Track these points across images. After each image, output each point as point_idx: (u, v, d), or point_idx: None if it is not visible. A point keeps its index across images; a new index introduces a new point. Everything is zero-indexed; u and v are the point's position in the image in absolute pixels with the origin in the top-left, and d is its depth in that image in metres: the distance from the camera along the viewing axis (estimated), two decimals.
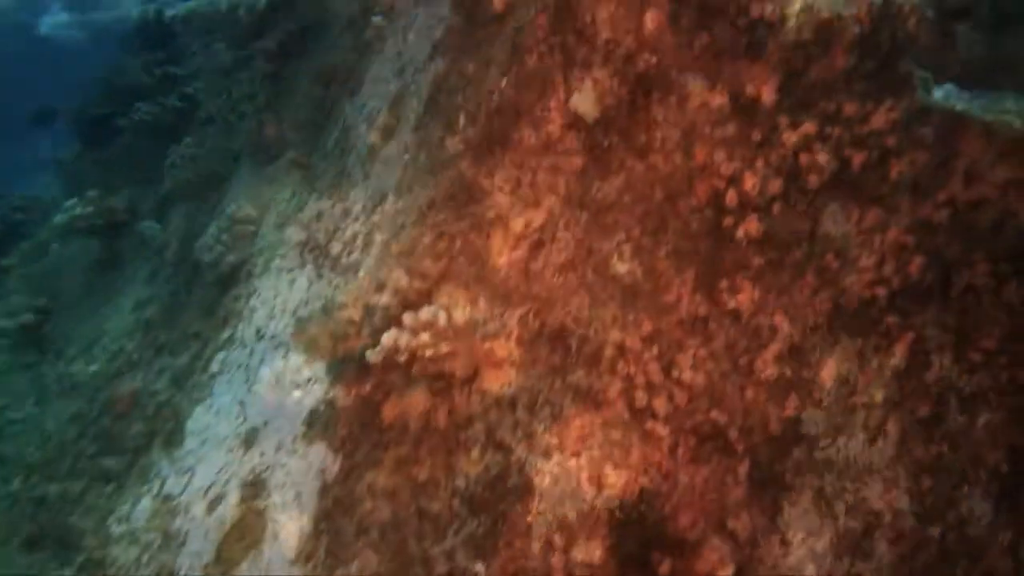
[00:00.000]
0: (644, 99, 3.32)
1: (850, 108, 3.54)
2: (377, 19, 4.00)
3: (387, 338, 3.42)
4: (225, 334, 4.91)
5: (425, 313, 3.43)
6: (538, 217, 3.68)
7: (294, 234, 4.92)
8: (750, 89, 3.38)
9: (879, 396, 3.95)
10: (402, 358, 3.48)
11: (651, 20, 3.27)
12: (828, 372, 3.77)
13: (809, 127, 3.46)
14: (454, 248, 3.94)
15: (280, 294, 4.77)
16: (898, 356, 4.01)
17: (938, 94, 4.10)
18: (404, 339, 3.39)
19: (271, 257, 4.95)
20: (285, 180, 5.12)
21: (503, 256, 3.74)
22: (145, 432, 4.93)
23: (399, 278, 3.79)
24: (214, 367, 4.85)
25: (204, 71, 5.57)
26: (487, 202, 3.91)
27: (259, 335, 4.74)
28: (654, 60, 3.28)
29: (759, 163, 3.45)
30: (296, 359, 4.45)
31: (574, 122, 3.56)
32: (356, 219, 4.62)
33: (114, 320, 5.80)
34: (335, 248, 4.65)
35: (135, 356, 5.38)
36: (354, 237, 4.58)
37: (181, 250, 5.73)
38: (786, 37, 3.25)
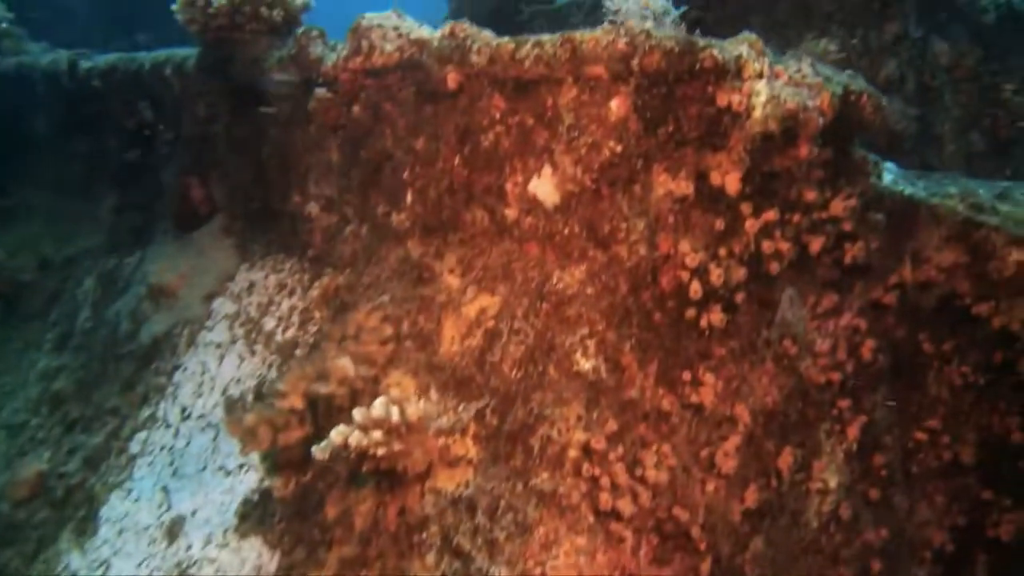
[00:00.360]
0: (609, 189, 3.21)
1: (810, 195, 3.51)
2: (321, 90, 3.80)
3: (336, 435, 3.20)
4: (146, 412, 4.59)
5: (377, 409, 3.22)
6: (492, 304, 3.53)
7: (223, 306, 4.65)
8: (715, 178, 3.30)
9: (833, 481, 3.91)
10: (351, 455, 3.27)
11: (617, 107, 3.17)
12: (785, 460, 3.70)
13: (771, 215, 3.40)
14: (401, 331, 3.75)
15: (208, 370, 4.49)
16: (850, 439, 3.98)
17: (887, 177, 4.13)
18: (354, 437, 3.18)
19: (197, 330, 4.67)
20: (212, 247, 4.85)
21: (455, 344, 3.58)
22: (52, 520, 4.55)
23: (345, 366, 3.58)
24: (134, 448, 4.53)
25: (125, 128, 5.26)
26: (436, 285, 3.74)
27: (185, 414, 4.44)
28: (619, 149, 3.17)
29: (722, 252, 3.37)
30: (228, 443, 4.18)
31: (532, 207, 3.42)
32: (292, 293, 4.39)
33: (15, 392, 5.39)
34: (269, 323, 4.40)
35: (41, 433, 4.99)
36: (290, 312, 4.34)
37: (95, 316, 5.37)
38: (752, 128, 3.19)
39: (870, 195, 3.83)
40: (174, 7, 4.39)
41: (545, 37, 3.27)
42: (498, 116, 3.48)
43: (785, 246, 3.50)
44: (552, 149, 3.33)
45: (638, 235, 3.26)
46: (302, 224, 4.39)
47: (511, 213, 3.50)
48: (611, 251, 3.27)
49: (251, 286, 4.61)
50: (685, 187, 3.30)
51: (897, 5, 5.72)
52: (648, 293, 3.31)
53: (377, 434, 3.22)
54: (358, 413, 3.24)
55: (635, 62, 3.09)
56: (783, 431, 3.78)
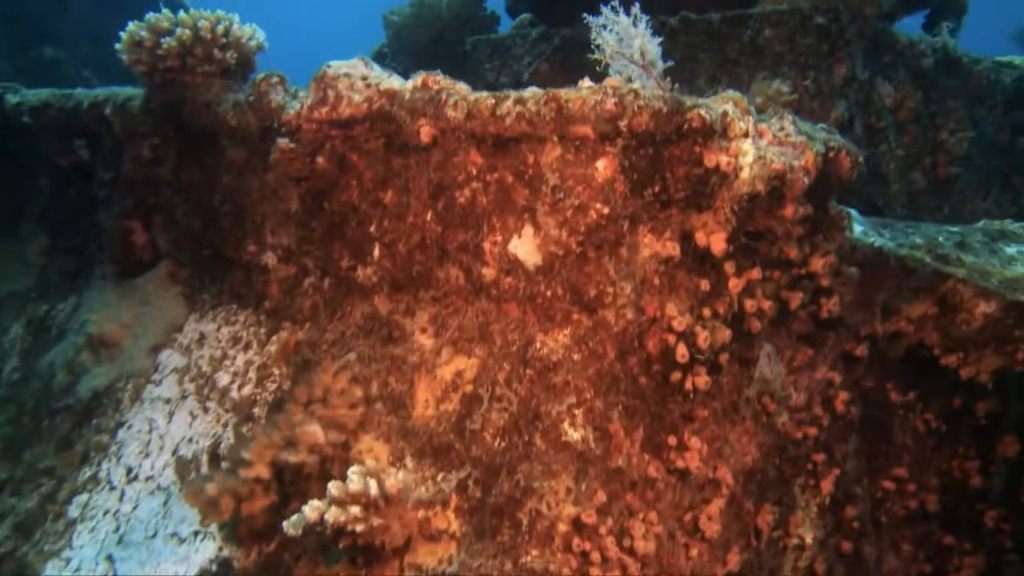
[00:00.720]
0: (595, 251, 3.11)
1: (791, 252, 3.47)
2: (283, 141, 3.62)
3: (310, 511, 3.02)
4: (86, 473, 4.31)
5: (355, 483, 3.05)
6: (469, 367, 3.39)
7: (171, 359, 4.40)
8: (700, 239, 3.24)
9: (808, 537, 3.87)
10: (326, 530, 3.09)
11: (604, 168, 3.08)
12: (764, 519, 3.65)
13: (754, 273, 3.35)
14: (370, 393, 3.59)
15: (156, 428, 4.24)
16: (824, 493, 3.95)
17: (857, 228, 4.13)
18: (331, 513, 3.01)
19: (143, 384, 4.41)
20: (157, 295, 4.59)
21: (430, 408, 3.43)
22: None
23: (315, 432, 3.40)
24: (72, 512, 4.24)
25: (58, 167, 4.96)
26: (408, 344, 3.59)
27: (131, 475, 4.18)
28: (606, 211, 3.08)
29: (707, 313, 3.30)
30: (181, 508, 3.95)
31: (512, 268, 3.31)
32: (248, 347, 4.18)
33: None
34: (223, 379, 4.18)
35: None
36: (246, 367, 4.13)
37: (24, 367, 5.04)
38: (740, 189, 3.13)
39: (846, 249, 3.82)
40: (118, 46, 4.15)
41: (527, 93, 3.16)
42: (475, 172, 3.36)
43: (767, 304, 3.46)
44: (534, 209, 3.22)
45: (625, 299, 3.17)
46: (257, 275, 4.18)
47: (489, 273, 3.37)
48: (598, 315, 3.18)
49: (202, 338, 4.37)
50: (671, 248, 3.23)
51: (845, 48, 5.79)
52: (635, 358, 3.22)
53: (355, 509, 3.05)
54: (334, 487, 3.06)
55: (623, 123, 3.00)
56: (761, 489, 3.73)
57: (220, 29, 4.06)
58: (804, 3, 5.85)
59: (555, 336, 3.24)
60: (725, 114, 3.14)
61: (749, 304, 3.43)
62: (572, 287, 3.19)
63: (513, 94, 3.20)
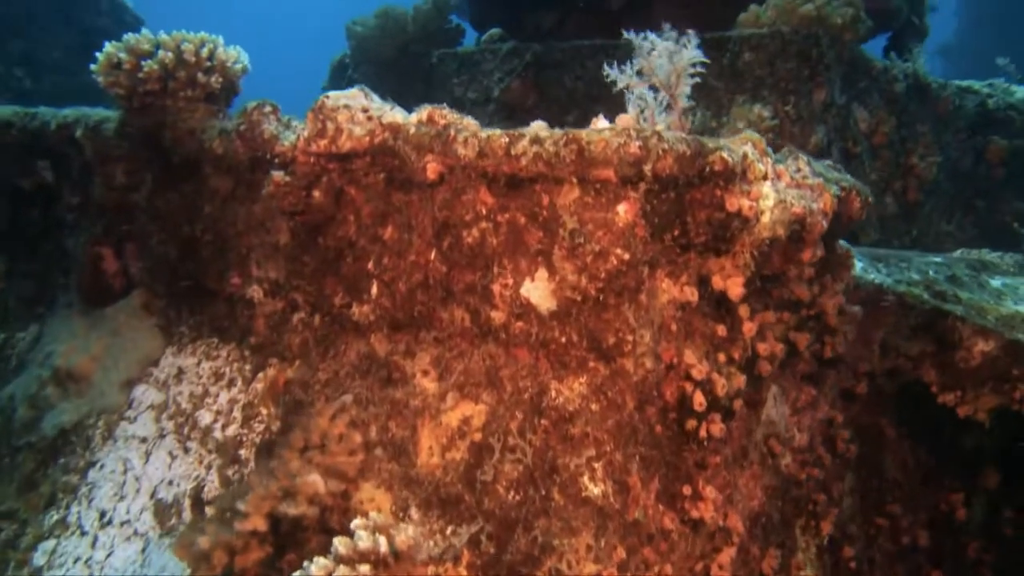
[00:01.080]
0: (615, 298, 3.01)
1: (802, 294, 3.42)
2: (278, 174, 3.46)
3: (316, 569, 2.87)
4: (53, 516, 4.07)
5: (363, 540, 2.91)
6: (477, 414, 3.27)
7: (147, 395, 4.18)
8: (717, 282, 3.16)
9: None
10: None
11: (625, 212, 2.98)
12: (770, 564, 3.59)
13: (768, 316, 3.29)
14: (369, 437, 3.44)
15: (132, 468, 4.02)
16: (823, 534, 3.91)
17: (857, 265, 4.10)
18: (340, 572, 2.86)
19: (116, 421, 4.18)
20: (130, 326, 4.36)
21: (434, 456, 3.29)
22: None
23: (315, 483, 3.24)
24: (38, 559, 4.00)
25: (19, 189, 4.70)
26: (409, 387, 3.45)
27: (104, 520, 3.96)
28: (626, 256, 2.98)
29: (722, 358, 3.23)
30: (161, 555, 3.75)
31: (524, 312, 3.19)
32: (232, 383, 3.99)
33: None
34: (204, 417, 3.98)
35: None
36: (230, 406, 3.94)
37: None
38: (761, 233, 3.06)
39: (850, 288, 3.79)
40: (94, 68, 3.93)
41: (544, 133, 3.05)
42: (484, 212, 3.24)
43: (779, 347, 3.40)
44: (549, 252, 3.10)
45: (645, 347, 3.07)
46: (241, 308, 3.99)
47: (498, 316, 3.25)
48: (616, 364, 3.07)
49: (180, 373, 4.16)
50: (689, 293, 3.15)
51: (825, 73, 5.79)
52: (653, 407, 3.13)
53: (364, 568, 2.90)
54: (342, 545, 2.91)
55: (647, 167, 2.90)
56: (766, 533, 3.67)
57: (204, 52, 3.87)
58: (784, 27, 5.84)
59: (570, 384, 3.13)
60: (745, 156, 3.07)
61: (762, 348, 3.37)
62: (589, 334, 3.09)
63: (528, 133, 3.08)
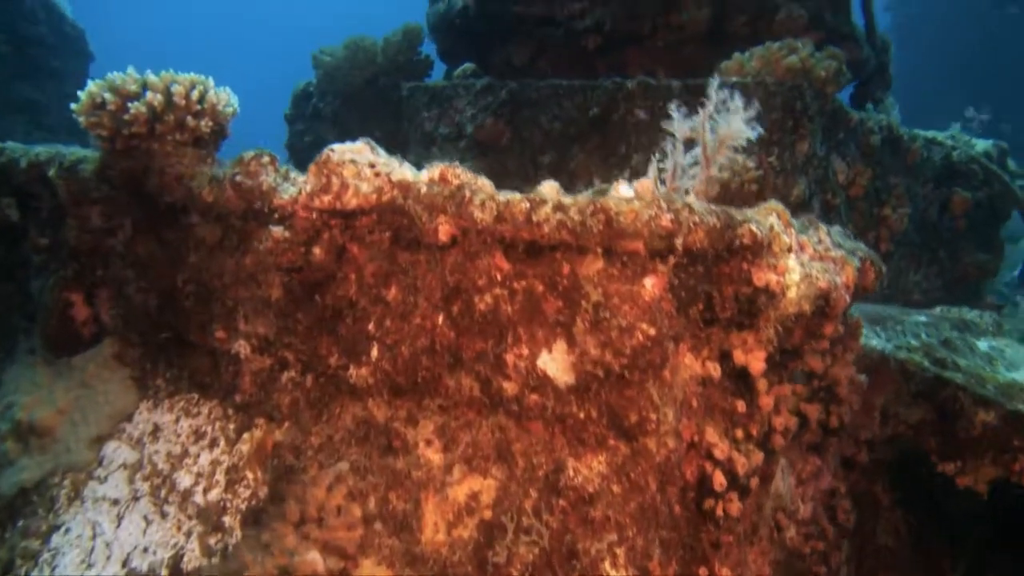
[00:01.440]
0: (639, 375, 2.90)
1: (816, 366, 3.34)
2: (277, 229, 3.28)
3: None
4: None
5: None
6: (486, 490, 3.12)
7: (119, 453, 3.93)
8: (738, 357, 3.07)
9: None
10: None
11: (652, 286, 2.88)
12: None
13: (784, 389, 3.21)
14: (368, 509, 3.27)
15: (102, 533, 3.77)
16: None
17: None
18: None
19: (84, 481, 3.92)
20: (100, 378, 4.11)
21: (440, 532, 3.13)
22: None
23: (314, 561, 3.05)
24: None
25: None
26: (411, 457, 3.29)
27: None
28: (652, 332, 2.87)
29: (740, 435, 3.13)
30: None
31: (540, 385, 3.05)
32: (214, 444, 3.77)
33: None
34: (184, 480, 3.75)
35: None
36: (213, 468, 3.72)
37: None
38: (787, 309, 2.98)
39: (859, 357, 3.74)
40: (74, 107, 3.71)
41: (568, 200, 2.93)
42: (499, 278, 3.10)
43: (792, 421, 3.33)
44: (569, 324, 2.98)
45: (668, 426, 2.96)
46: (226, 363, 3.78)
47: (510, 387, 3.11)
48: (638, 443, 2.95)
49: (156, 430, 3.93)
50: (711, 369, 3.05)
51: (808, 125, 5.79)
52: (673, 487, 3.02)
53: None
54: None
55: (678, 241, 2.80)
56: None
57: (195, 95, 3.67)
58: (769, 78, 5.83)
59: (589, 463, 3.00)
60: (771, 228, 2.99)
61: (777, 422, 3.29)
62: (610, 411, 2.96)
63: (550, 199, 2.96)
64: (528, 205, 2.95)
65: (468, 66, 7.47)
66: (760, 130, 3.32)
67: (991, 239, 8.29)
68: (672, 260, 2.87)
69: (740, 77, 6.00)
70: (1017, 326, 5.90)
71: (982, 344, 4.72)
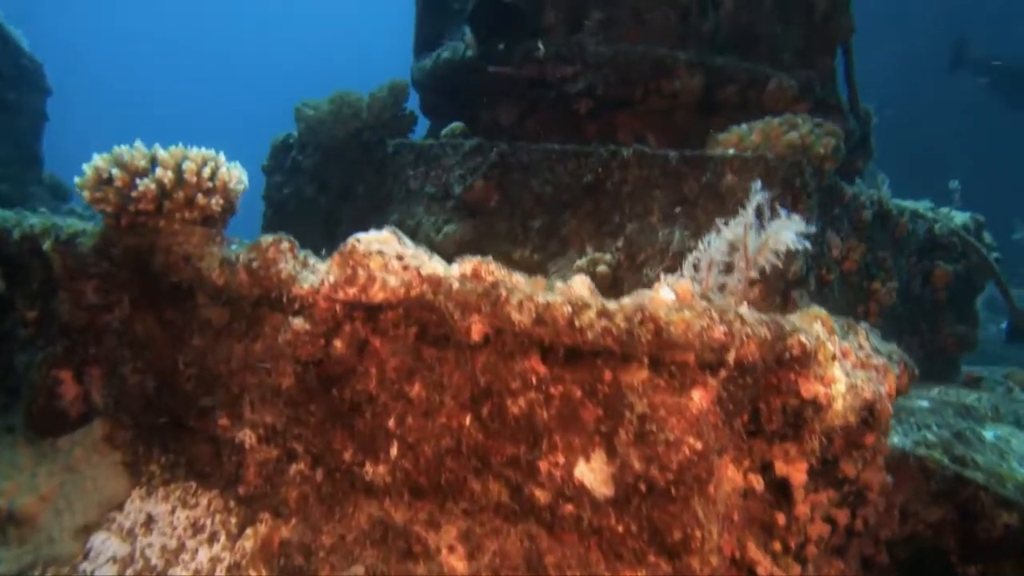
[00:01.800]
0: (684, 490, 2.77)
1: (849, 471, 3.26)
2: (298, 321, 3.12)
3: None
4: None
5: None
6: None
7: (107, 545, 3.70)
8: (780, 468, 2.97)
9: None
10: None
11: (700, 399, 2.77)
12: None
13: (820, 497, 3.11)
14: None
15: None
16: None
17: None
18: None
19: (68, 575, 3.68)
20: (88, 461, 3.87)
21: None
22: None
23: None
24: None
25: None
26: (432, 564, 3.12)
27: None
28: (699, 446, 2.75)
29: (777, 547, 3.02)
30: None
31: (576, 495, 2.92)
32: (214, 538, 3.56)
33: None
34: None
35: None
36: (213, 566, 3.51)
37: None
38: (833, 421, 2.90)
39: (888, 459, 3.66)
40: (78, 181, 3.53)
41: (613, 306, 2.81)
42: (534, 381, 2.97)
43: (825, 529, 3.22)
44: (611, 435, 2.85)
45: (712, 544, 2.84)
46: (228, 452, 3.59)
47: (543, 496, 2.97)
48: (681, 562, 2.82)
49: (150, 521, 3.70)
50: (754, 481, 2.94)
51: (807, 201, 5.77)
52: None
53: None
54: None
55: (731, 355, 2.70)
56: None
57: (206, 172, 3.51)
58: (769, 153, 5.81)
59: None
60: (817, 337, 2.91)
61: (812, 531, 3.18)
62: (651, 526, 2.83)
63: (594, 303, 2.84)
64: (571, 309, 2.83)
65: (457, 125, 7.37)
66: (807, 243, 3.25)
67: (968, 311, 8.37)
68: (723, 373, 2.77)
69: (739, 151, 5.97)
70: (1008, 407, 5.92)
71: (988, 434, 4.69)
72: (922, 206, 8.31)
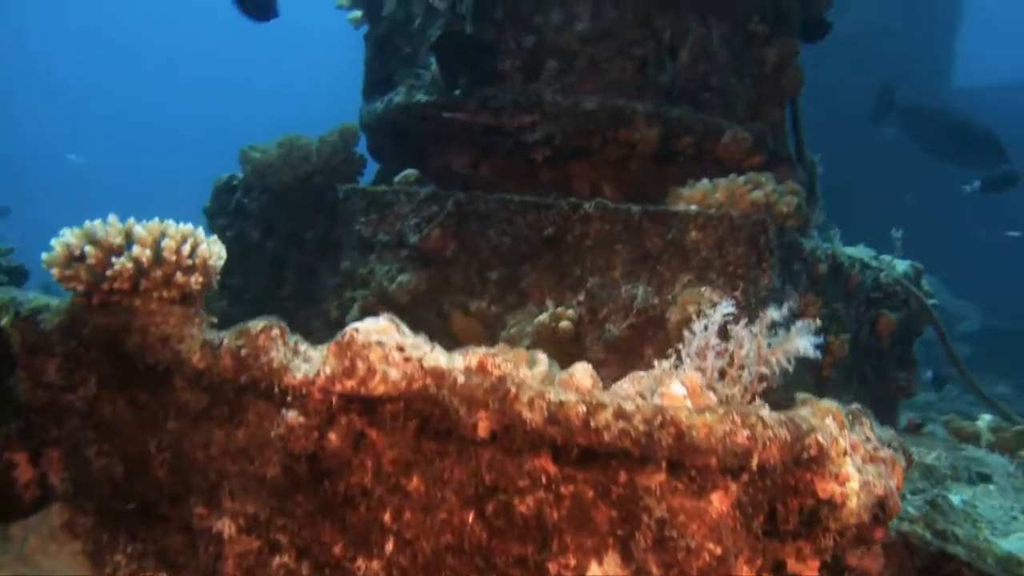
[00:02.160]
0: None
1: (852, 560, 3.24)
2: (292, 414, 2.96)
3: None
4: None
5: None
6: None
7: None
8: (792, 566, 2.93)
9: None
10: None
11: (719, 502, 2.70)
12: None
13: None
14: None
15: None
16: None
17: None
18: None
19: None
20: (45, 551, 3.62)
21: None
22: None
23: None
24: None
25: None
26: None
27: None
28: (718, 551, 2.69)
29: None
30: None
31: None
32: None
33: None
34: None
35: None
36: None
37: None
38: (847, 519, 2.86)
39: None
40: (45, 258, 3.31)
41: (630, 406, 2.73)
42: (544, 480, 2.87)
43: None
44: (626, 538, 2.77)
45: None
46: (205, 542, 3.39)
47: None
48: None
49: None
50: None
51: (771, 258, 5.81)
52: None
53: None
54: None
55: (754, 460, 2.64)
56: None
57: (186, 249, 3.33)
58: (733, 211, 5.84)
59: None
60: (831, 433, 2.88)
61: None
62: None
63: (610, 403, 2.75)
64: (585, 409, 2.74)
65: (411, 173, 7.24)
66: (819, 354, 3.24)
67: (907, 357, 8.55)
68: (745, 478, 2.71)
69: (703, 208, 5.99)
70: (961, 463, 6.04)
71: (955, 499, 4.75)
72: (866, 254, 8.47)
